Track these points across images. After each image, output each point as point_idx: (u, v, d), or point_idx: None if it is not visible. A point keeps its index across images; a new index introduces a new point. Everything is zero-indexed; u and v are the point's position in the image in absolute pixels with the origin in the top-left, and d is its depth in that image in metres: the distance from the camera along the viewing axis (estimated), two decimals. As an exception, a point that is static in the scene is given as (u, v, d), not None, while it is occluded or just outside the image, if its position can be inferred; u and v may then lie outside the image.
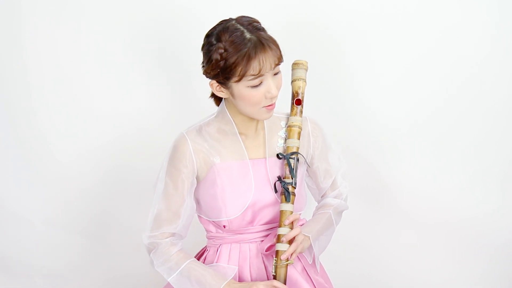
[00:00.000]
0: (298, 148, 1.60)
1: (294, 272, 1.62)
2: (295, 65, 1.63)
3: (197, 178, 1.62)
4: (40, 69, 2.31)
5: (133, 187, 2.35)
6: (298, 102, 1.61)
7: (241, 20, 1.52)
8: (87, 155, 2.34)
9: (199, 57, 2.18)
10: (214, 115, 1.67)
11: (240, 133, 1.63)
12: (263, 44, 1.47)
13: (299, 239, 1.54)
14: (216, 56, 1.48)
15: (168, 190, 1.59)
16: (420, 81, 2.29)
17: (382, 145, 2.32)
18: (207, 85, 1.68)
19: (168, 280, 1.57)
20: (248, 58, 1.45)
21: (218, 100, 1.67)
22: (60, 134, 2.33)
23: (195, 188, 1.64)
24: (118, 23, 2.28)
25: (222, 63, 1.47)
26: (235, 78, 1.48)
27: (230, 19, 1.54)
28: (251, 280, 1.60)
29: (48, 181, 2.36)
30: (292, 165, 1.58)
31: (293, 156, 1.59)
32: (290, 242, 1.54)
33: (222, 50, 1.47)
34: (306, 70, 1.64)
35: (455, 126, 2.29)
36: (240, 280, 1.61)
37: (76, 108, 2.33)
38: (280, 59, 1.51)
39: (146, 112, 2.33)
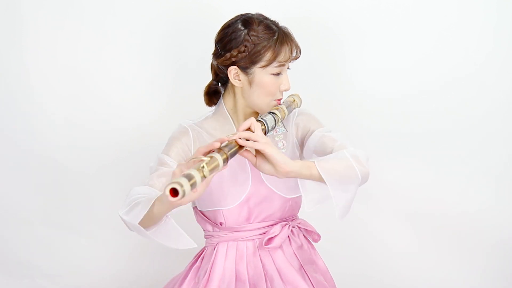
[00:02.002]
0: (279, 111, 1.52)
1: (291, 270, 1.61)
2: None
3: None
4: (40, 68, 2.31)
5: (134, 186, 2.35)
6: (279, 102, 1.59)
7: (261, 15, 1.59)
8: (86, 154, 2.34)
9: (198, 54, 2.20)
10: (211, 113, 1.68)
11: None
12: (289, 35, 1.57)
13: (257, 134, 1.33)
14: (245, 41, 1.52)
15: (159, 160, 1.56)
16: (420, 80, 2.29)
17: (380, 143, 2.32)
18: (204, 81, 1.69)
19: (120, 214, 1.42)
20: (281, 44, 1.52)
21: (210, 100, 1.68)
22: (59, 133, 2.33)
23: None
24: (118, 20, 2.29)
25: (252, 46, 1.51)
26: (263, 63, 1.52)
27: (249, 13, 1.59)
28: (249, 279, 1.60)
29: (48, 181, 2.36)
30: (265, 114, 1.50)
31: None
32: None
33: (254, 34, 1.51)
34: (298, 101, 1.66)
35: (454, 125, 2.30)
36: (238, 278, 1.60)
37: (75, 108, 2.33)
38: (300, 52, 1.58)
39: (143, 109, 2.33)
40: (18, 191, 2.37)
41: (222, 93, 1.67)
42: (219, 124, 1.65)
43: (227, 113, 1.64)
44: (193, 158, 1.25)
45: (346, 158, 1.46)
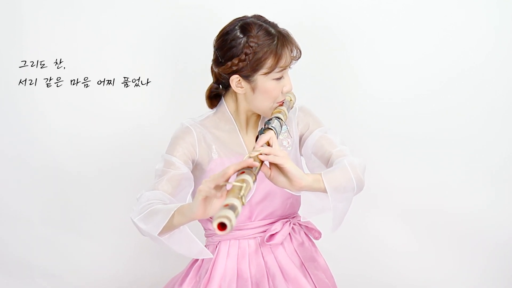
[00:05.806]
0: (282, 115, 1.53)
1: (293, 267, 1.61)
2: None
3: (198, 165, 1.62)
4: (39, 67, 2.31)
5: (134, 187, 2.35)
6: (281, 104, 1.60)
7: (259, 18, 1.56)
8: (86, 154, 2.34)
9: (198, 56, 2.19)
10: (212, 112, 1.68)
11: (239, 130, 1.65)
12: (289, 38, 1.55)
13: (276, 148, 1.34)
14: (245, 49, 1.50)
15: (165, 161, 1.56)
16: (420, 80, 2.30)
17: (380, 143, 2.32)
18: (205, 83, 1.69)
19: (134, 220, 1.42)
20: (281, 48, 1.51)
21: (212, 103, 1.68)
22: (59, 133, 2.33)
23: (195, 179, 1.63)
24: (119, 21, 2.29)
25: (251, 55, 1.50)
26: (264, 70, 1.51)
27: (247, 17, 1.57)
28: (251, 277, 1.60)
29: (48, 181, 2.36)
30: (272, 120, 1.49)
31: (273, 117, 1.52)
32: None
33: (254, 41, 1.50)
34: (293, 99, 1.67)
35: (454, 124, 2.30)
36: (240, 277, 1.60)
37: (75, 108, 2.33)
38: (301, 53, 1.57)
39: (143, 110, 2.33)
40: (18, 191, 2.37)
41: (224, 93, 1.67)
42: (221, 123, 1.65)
43: (230, 115, 1.64)
44: (221, 183, 1.22)
45: (346, 169, 1.47)
